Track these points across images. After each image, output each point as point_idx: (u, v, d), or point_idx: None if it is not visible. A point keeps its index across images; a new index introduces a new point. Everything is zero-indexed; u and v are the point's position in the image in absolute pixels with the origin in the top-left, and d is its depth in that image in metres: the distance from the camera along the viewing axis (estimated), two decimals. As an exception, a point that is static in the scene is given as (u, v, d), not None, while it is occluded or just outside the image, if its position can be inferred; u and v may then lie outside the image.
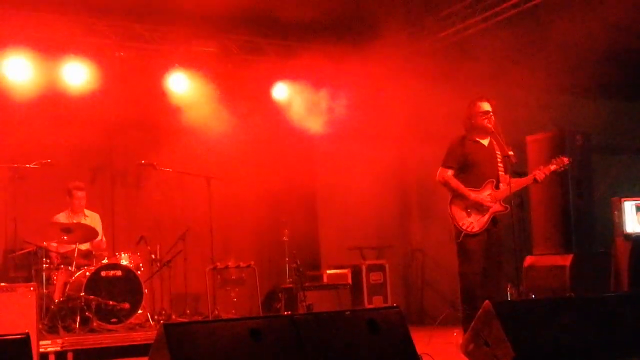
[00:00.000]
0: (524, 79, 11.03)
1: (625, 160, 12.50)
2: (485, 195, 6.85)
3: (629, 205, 8.95)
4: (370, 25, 9.53)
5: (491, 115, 6.92)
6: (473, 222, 6.82)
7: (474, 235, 6.80)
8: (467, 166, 6.95)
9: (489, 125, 6.91)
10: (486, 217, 6.83)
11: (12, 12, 9.13)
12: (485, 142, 7.02)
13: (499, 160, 6.95)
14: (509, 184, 6.83)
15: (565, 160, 7.02)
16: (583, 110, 11.73)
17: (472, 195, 6.84)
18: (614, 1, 8.81)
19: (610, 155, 12.07)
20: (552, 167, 6.99)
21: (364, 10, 9.42)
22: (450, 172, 6.94)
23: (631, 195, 9.19)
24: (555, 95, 11.78)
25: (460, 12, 10.01)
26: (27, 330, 4.87)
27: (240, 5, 9.08)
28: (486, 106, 6.94)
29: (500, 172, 6.93)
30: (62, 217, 8.69)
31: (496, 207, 6.86)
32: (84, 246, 8.53)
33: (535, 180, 6.96)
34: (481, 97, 7.00)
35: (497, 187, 6.90)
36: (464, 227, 6.82)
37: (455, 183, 6.89)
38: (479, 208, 6.83)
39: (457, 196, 6.90)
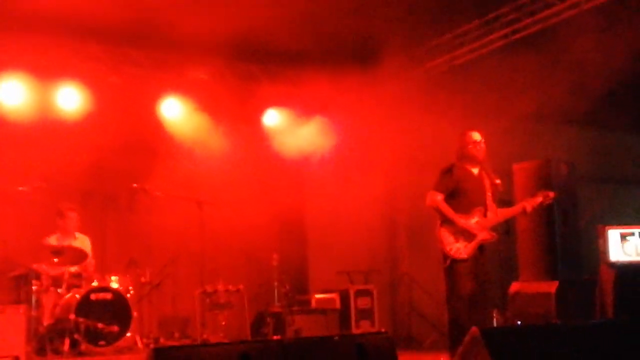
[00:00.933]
0: (511, 107, 11.19)
1: (610, 190, 12.66)
2: (473, 222, 6.96)
3: (613, 234, 9.06)
4: (361, 55, 9.66)
5: (481, 145, 7.09)
6: (460, 248, 6.91)
7: (462, 261, 6.90)
8: (457, 193, 7.06)
9: (480, 155, 7.10)
10: (473, 244, 6.93)
11: (6, 36, 9.21)
12: (476, 170, 7.15)
13: (487, 189, 7.08)
14: (497, 213, 6.98)
15: (551, 194, 7.24)
16: (569, 140, 11.90)
17: (461, 221, 6.94)
18: (597, 34, 9.00)
19: (596, 184, 12.22)
20: (539, 200, 7.19)
21: (355, 40, 9.56)
22: (439, 197, 7.06)
23: (616, 223, 9.30)
24: (541, 124, 11.95)
25: (449, 42, 10.18)
26: (16, 353, 4.88)
27: (233, 33, 9.21)
28: (476, 136, 7.13)
29: (488, 201, 7.05)
30: (52, 240, 8.71)
31: (484, 235, 6.96)
32: (74, 268, 8.54)
33: (524, 212, 7.14)
34: (472, 128, 7.22)
35: (485, 215, 7.02)
36: (451, 253, 6.91)
37: (445, 207, 7.00)
38: (467, 234, 6.94)
39: (445, 221, 6.99)
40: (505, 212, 7.11)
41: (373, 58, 9.75)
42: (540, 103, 10.58)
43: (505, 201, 7.27)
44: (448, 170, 7.13)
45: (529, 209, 7.12)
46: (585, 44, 9.17)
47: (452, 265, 6.90)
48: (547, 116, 11.55)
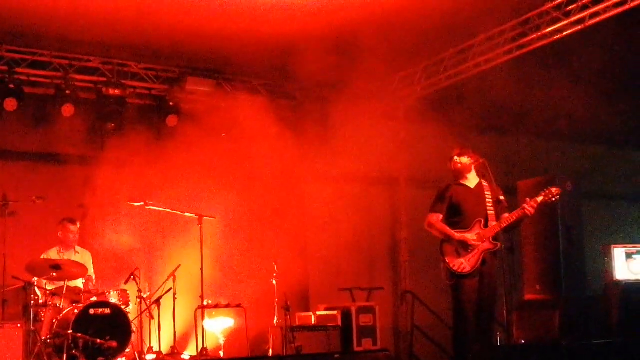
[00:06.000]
0: (516, 124, 11.16)
1: (616, 207, 12.59)
2: (472, 234, 6.89)
3: (618, 252, 9.01)
4: (362, 69, 9.62)
5: (471, 158, 7.08)
6: (464, 263, 6.85)
7: (466, 275, 6.82)
8: (454, 209, 7.06)
9: (471, 168, 7.12)
10: (477, 256, 6.86)
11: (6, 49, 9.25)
12: (472, 184, 7.13)
13: (488, 200, 7.00)
14: (498, 221, 6.88)
15: (555, 190, 6.91)
16: (574, 157, 11.85)
17: (456, 235, 6.91)
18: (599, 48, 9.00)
19: (601, 202, 12.15)
20: (540, 199, 6.90)
21: (355, 55, 9.53)
22: (438, 217, 7.05)
23: (621, 242, 9.24)
24: (546, 141, 11.91)
25: (453, 57, 10.15)
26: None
27: (234, 46, 9.22)
28: (453, 152, 7.21)
29: (489, 212, 6.96)
30: (52, 253, 8.65)
31: (485, 245, 6.88)
32: (73, 283, 8.47)
33: (525, 214, 6.91)
34: (461, 143, 7.36)
35: (485, 225, 6.93)
36: (455, 268, 6.85)
37: (440, 225, 6.99)
38: (466, 247, 6.87)
39: (445, 239, 6.98)
40: (507, 218, 6.96)
41: (374, 73, 9.72)
42: (546, 120, 10.55)
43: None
44: (442, 190, 7.19)
45: (530, 211, 6.86)
46: (591, 59, 9.16)
47: (457, 282, 6.84)
48: (552, 133, 11.51)
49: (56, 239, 8.78)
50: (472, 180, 7.16)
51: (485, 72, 9.85)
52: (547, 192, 6.93)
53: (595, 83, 9.70)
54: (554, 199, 6.94)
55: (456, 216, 7.04)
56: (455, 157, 7.17)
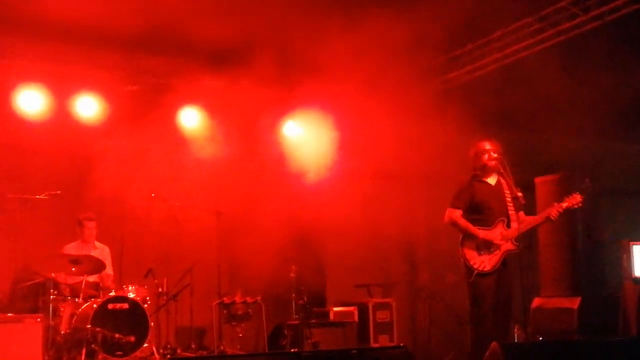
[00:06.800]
0: (533, 119, 11.09)
1: (635, 203, 12.50)
2: (496, 233, 6.86)
3: (638, 249, 8.94)
4: (379, 64, 9.60)
5: (492, 154, 6.97)
6: (484, 262, 6.82)
7: (486, 274, 6.79)
8: (476, 206, 6.98)
9: (492, 164, 6.98)
10: (498, 256, 6.83)
11: (25, 47, 9.28)
12: (492, 181, 7.06)
13: (508, 199, 6.96)
14: (521, 224, 6.84)
15: (578, 197, 6.94)
16: (592, 153, 11.76)
17: (482, 233, 6.86)
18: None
19: (619, 198, 12.07)
20: (565, 205, 6.92)
21: (373, 48, 9.50)
22: (458, 213, 6.98)
23: (640, 237, 9.17)
24: (564, 137, 11.83)
25: (471, 52, 10.11)
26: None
27: (248, 39, 9.20)
28: (486, 145, 7.04)
29: (510, 212, 6.93)
30: (72, 248, 8.71)
31: (507, 246, 6.86)
32: (92, 278, 8.53)
33: (548, 219, 6.92)
34: (483, 138, 7.10)
35: (508, 225, 6.90)
36: (475, 266, 6.82)
37: (464, 222, 6.92)
38: (490, 247, 6.84)
39: (467, 236, 6.92)
40: (530, 221, 6.96)
41: (392, 68, 9.68)
42: (564, 115, 10.48)
43: (527, 215, 7.13)
44: (463, 186, 7.08)
45: (554, 215, 6.88)
46: (608, 57, 9.10)
47: (476, 280, 6.81)
48: (570, 129, 11.43)
49: (75, 234, 8.84)
50: (492, 177, 7.10)
51: (503, 67, 9.80)
52: (571, 198, 6.95)
53: (614, 79, 9.63)
54: (577, 206, 6.97)
55: (477, 213, 6.97)
56: (488, 148, 6.98)
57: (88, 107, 9.76)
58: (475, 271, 6.80)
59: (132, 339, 8.04)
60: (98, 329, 7.85)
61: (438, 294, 10.98)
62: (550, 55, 9.42)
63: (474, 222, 6.92)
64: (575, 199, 6.94)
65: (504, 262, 6.86)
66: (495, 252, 6.83)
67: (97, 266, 8.47)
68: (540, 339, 8.57)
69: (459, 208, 7.00)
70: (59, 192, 8.52)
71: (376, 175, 11.00)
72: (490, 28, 9.60)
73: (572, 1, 8.83)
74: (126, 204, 9.40)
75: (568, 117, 10.84)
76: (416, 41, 9.49)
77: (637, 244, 8.97)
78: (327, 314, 10.04)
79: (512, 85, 9.91)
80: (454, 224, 6.99)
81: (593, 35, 8.91)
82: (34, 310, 8.03)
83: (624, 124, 11.66)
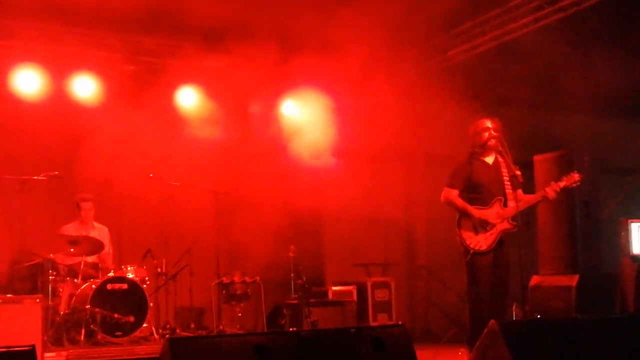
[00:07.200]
0: (532, 97, 11.05)
1: (633, 181, 12.48)
2: (492, 212, 6.84)
3: (636, 227, 8.94)
4: (378, 42, 9.55)
5: (492, 132, 6.92)
6: (481, 241, 6.81)
7: (483, 253, 6.78)
8: (473, 186, 6.95)
9: (492, 142, 6.92)
10: (494, 235, 6.82)
11: (23, 26, 9.22)
12: (490, 160, 7.03)
13: (505, 178, 6.93)
14: (517, 201, 6.83)
15: (576, 176, 6.87)
16: (591, 130, 11.73)
17: (477, 212, 6.83)
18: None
19: (618, 176, 12.05)
20: (562, 184, 6.85)
21: (372, 27, 9.44)
22: (454, 192, 6.96)
23: (638, 216, 9.16)
24: (562, 114, 11.80)
25: (470, 30, 10.04)
26: (32, 342, 4.88)
27: (248, 19, 9.14)
28: (487, 123, 6.97)
29: (507, 190, 6.90)
30: (70, 228, 8.71)
31: (504, 225, 6.84)
32: (91, 258, 8.55)
33: (545, 198, 6.89)
34: (483, 115, 7.05)
35: (505, 205, 6.88)
36: (471, 246, 6.80)
37: (460, 202, 6.90)
38: (485, 226, 6.83)
39: (464, 215, 6.90)
40: (527, 200, 6.92)
41: (390, 46, 9.63)
42: (563, 93, 10.44)
43: (526, 194, 7.11)
44: (460, 165, 7.03)
45: (551, 194, 6.81)
46: (607, 34, 9.04)
47: (473, 259, 6.79)
48: (568, 106, 11.41)
49: (74, 215, 8.84)
50: (491, 156, 7.07)
51: (502, 45, 9.74)
52: (569, 177, 6.88)
53: (617, 56, 9.57)
54: (574, 185, 6.91)
55: (474, 192, 6.93)
56: (489, 126, 6.89)
57: (85, 87, 9.72)
58: (472, 250, 6.79)
59: (131, 319, 8.08)
60: (97, 309, 7.89)
61: (436, 273, 11.00)
62: (549, 33, 9.35)
63: (471, 201, 6.89)
64: (573, 178, 6.89)
65: (501, 241, 6.84)
66: (492, 231, 6.82)
67: (96, 247, 8.48)
68: (538, 316, 8.59)
69: (455, 187, 6.97)
70: (56, 173, 8.49)
71: (375, 155, 10.97)
72: (489, 5, 9.53)
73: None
74: (124, 184, 9.38)
75: (568, 95, 10.80)
76: (415, 19, 9.45)
77: (635, 222, 8.97)
78: (325, 294, 10.06)
79: (512, 63, 9.86)
80: (449, 203, 6.97)
81: (593, 12, 8.84)
82: (33, 291, 8.06)
83: (623, 102, 11.63)
